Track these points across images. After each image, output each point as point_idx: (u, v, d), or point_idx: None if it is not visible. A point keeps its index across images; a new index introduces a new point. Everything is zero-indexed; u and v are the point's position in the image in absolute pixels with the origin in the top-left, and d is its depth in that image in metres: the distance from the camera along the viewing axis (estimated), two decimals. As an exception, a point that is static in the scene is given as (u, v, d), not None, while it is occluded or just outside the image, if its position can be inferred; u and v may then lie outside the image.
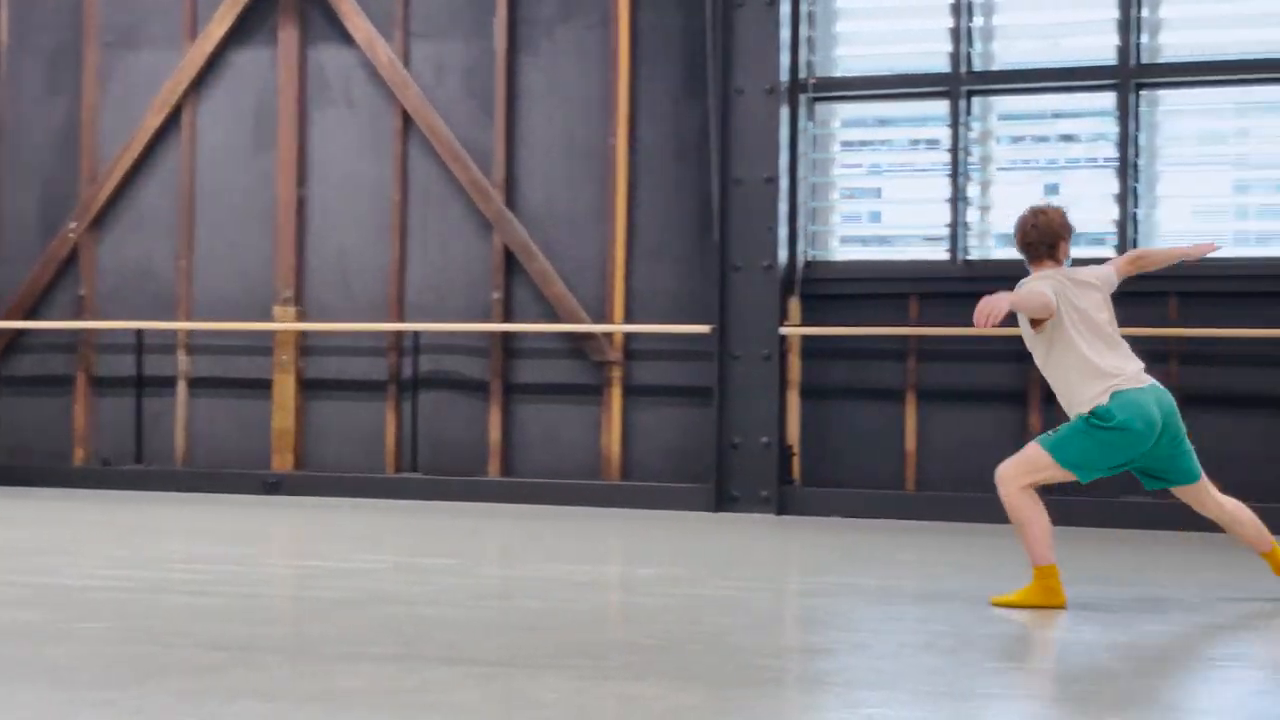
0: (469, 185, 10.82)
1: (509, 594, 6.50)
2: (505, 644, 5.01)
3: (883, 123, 10.94)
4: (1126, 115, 9.76)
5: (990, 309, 5.69)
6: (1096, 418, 5.97)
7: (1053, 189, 10.63)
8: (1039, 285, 5.99)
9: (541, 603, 6.01)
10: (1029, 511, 6.05)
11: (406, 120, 11.02)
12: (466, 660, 4.69)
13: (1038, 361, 6.20)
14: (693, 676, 4.51)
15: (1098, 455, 6.02)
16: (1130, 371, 6.03)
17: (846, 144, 10.90)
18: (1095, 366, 5.99)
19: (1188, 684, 4.62)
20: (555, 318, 10.69)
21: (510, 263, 10.82)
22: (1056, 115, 10.35)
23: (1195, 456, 6.13)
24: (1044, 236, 6.19)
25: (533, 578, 6.89)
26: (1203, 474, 6.14)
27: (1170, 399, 6.06)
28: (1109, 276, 6.27)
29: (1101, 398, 5.95)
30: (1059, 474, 6.13)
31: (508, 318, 10.83)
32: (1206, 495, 6.16)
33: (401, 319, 11.02)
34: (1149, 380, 6.03)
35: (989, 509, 9.75)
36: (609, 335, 10.63)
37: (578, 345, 10.74)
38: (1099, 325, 6.06)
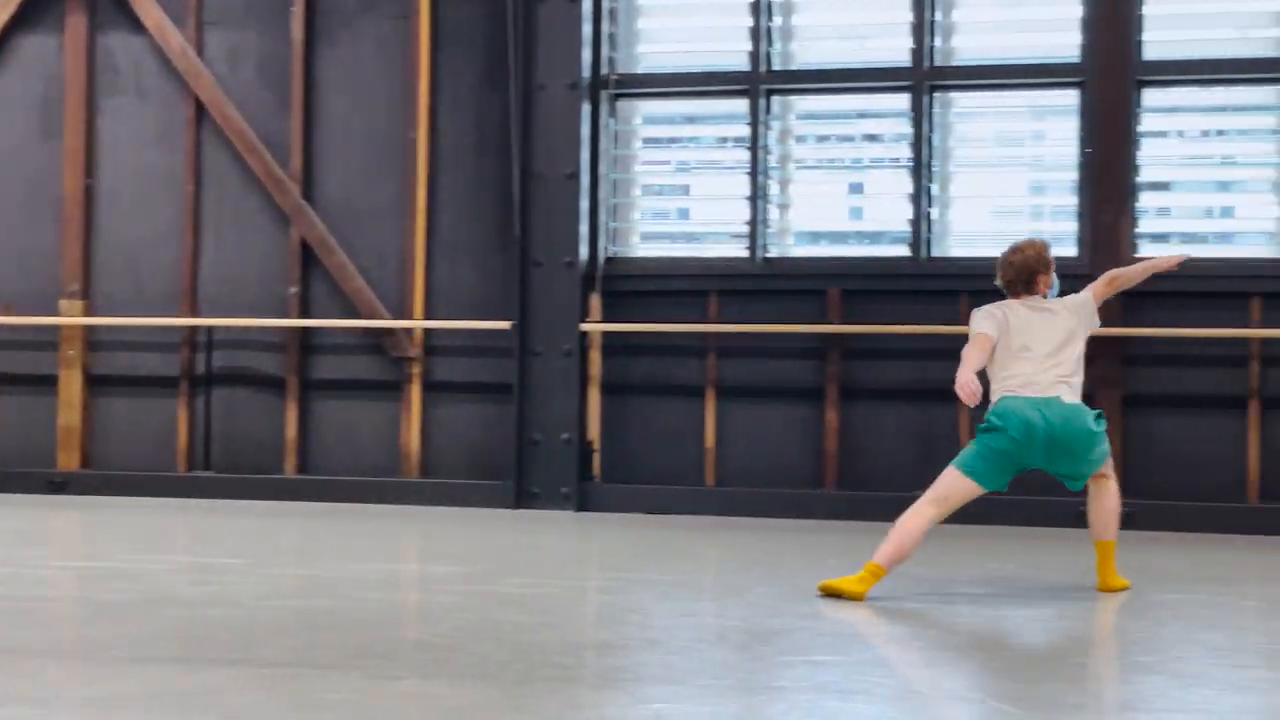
0: (265, 177, 10.61)
1: (299, 594, 6.37)
2: (292, 644, 4.90)
3: (690, 120, 10.98)
4: (920, 116, 9.93)
5: (966, 390, 6.08)
6: (983, 421, 6.26)
7: (856, 188, 10.78)
8: (973, 330, 6.38)
9: (332, 602, 5.90)
10: (917, 530, 6.15)
11: (200, 110, 10.76)
12: (251, 661, 4.58)
13: None
14: (483, 675, 4.46)
15: (983, 458, 6.21)
16: (1034, 381, 6.24)
17: (650, 141, 10.93)
18: (1006, 374, 6.27)
19: (969, 672, 4.69)
20: (354, 313, 10.53)
21: (308, 256, 10.64)
22: (861, 115, 10.49)
23: (1094, 468, 6.39)
24: (1020, 274, 6.55)
25: (325, 577, 6.76)
26: (1093, 481, 6.47)
27: (1074, 416, 6.22)
28: (1081, 302, 6.57)
29: (993, 402, 6.24)
30: (961, 484, 6.23)
31: (305, 313, 10.64)
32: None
33: (194, 313, 10.76)
34: (1055, 394, 6.22)
35: (786, 504, 9.89)
36: (409, 331, 10.51)
37: (377, 341, 10.60)
38: (1037, 344, 6.32)
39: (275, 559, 7.74)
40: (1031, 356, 6.32)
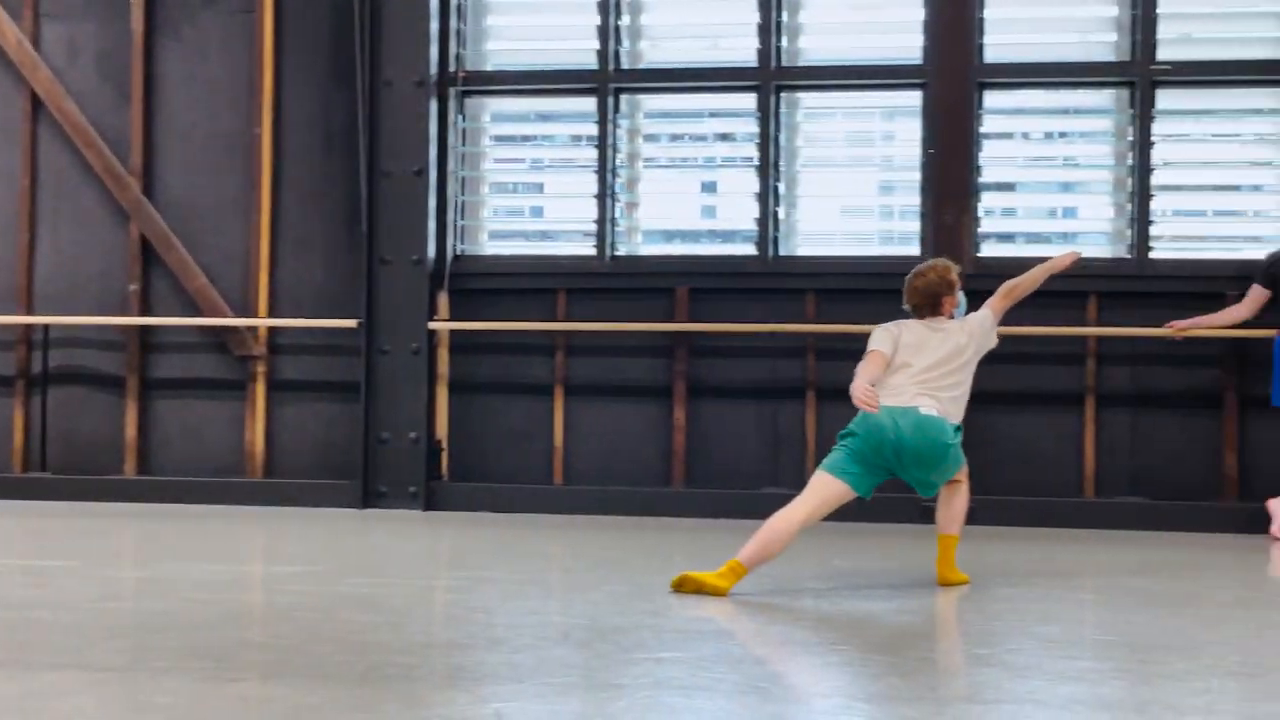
0: (104, 172, 10.40)
1: (135, 596, 6.25)
2: (125, 647, 4.80)
3: (544, 118, 10.95)
4: (767, 116, 10.02)
5: (861, 398, 6.13)
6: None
7: (710, 187, 10.84)
8: (869, 347, 6.51)
9: (169, 604, 5.80)
10: (784, 531, 6.21)
11: (36, 103, 10.53)
12: (81, 665, 4.48)
13: None
14: (323, 675, 4.40)
15: (846, 460, 6.35)
16: (901, 391, 6.37)
17: (502, 138, 10.89)
18: (881, 385, 6.39)
19: (812, 667, 4.73)
20: (196, 311, 10.37)
21: (148, 254, 10.46)
22: (713, 115, 10.54)
23: (945, 478, 6.54)
24: (925, 297, 6.68)
25: (163, 579, 6.64)
26: (945, 486, 6.63)
27: (928, 427, 6.32)
28: (980, 320, 6.70)
29: None
30: (830, 486, 6.34)
31: (145, 311, 10.46)
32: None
33: (30, 311, 10.53)
34: (914, 404, 6.34)
35: (635, 501, 9.92)
36: (253, 329, 10.37)
37: (220, 339, 10.44)
38: (918, 359, 6.44)
39: (111, 561, 7.59)
40: (909, 371, 6.46)
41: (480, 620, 5.54)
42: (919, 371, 6.45)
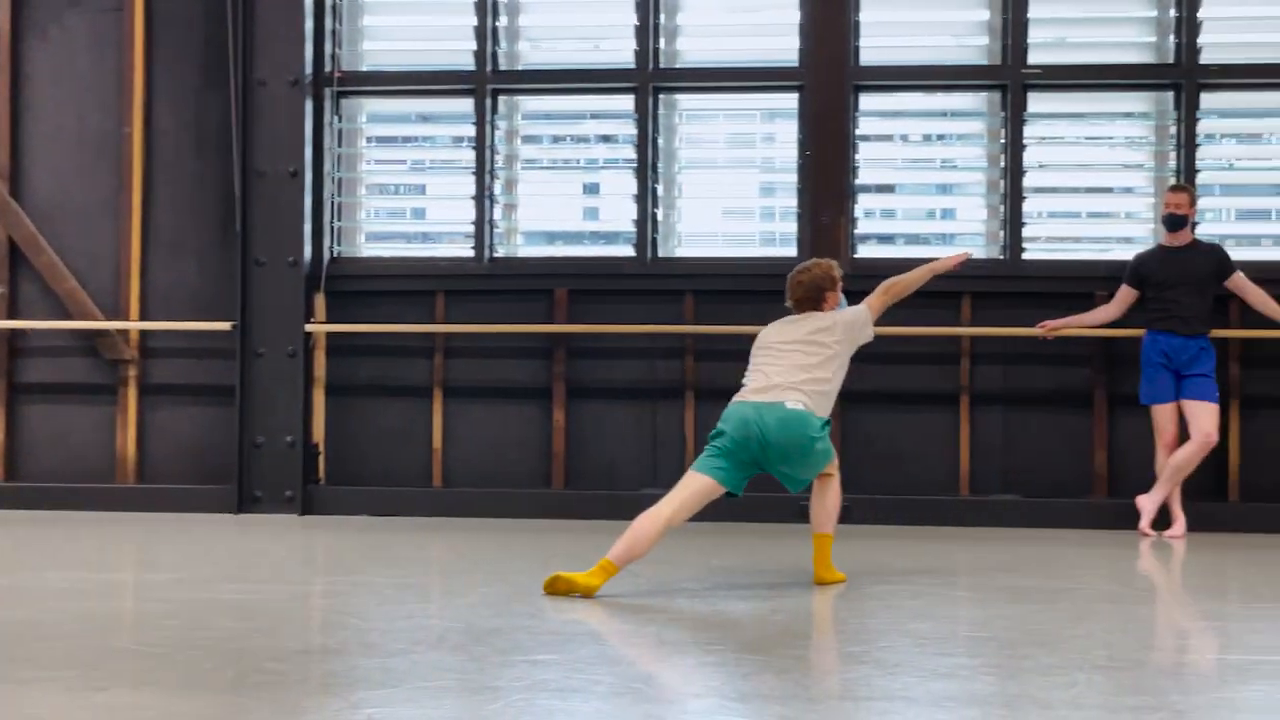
0: (-31, 173, 10.19)
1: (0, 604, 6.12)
2: (-11, 658, 4.70)
3: (424, 119, 10.89)
4: (645, 118, 10.04)
5: None
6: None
7: (593, 189, 10.84)
8: None
9: (35, 613, 5.68)
10: (651, 529, 6.25)
11: (-101, 102, 10.30)
12: (-58, 677, 4.38)
13: None
14: (194, 683, 4.34)
15: (713, 457, 6.43)
16: (767, 387, 6.49)
17: (381, 139, 10.81)
18: (746, 380, 6.61)
19: (686, 667, 4.74)
20: (65, 314, 10.19)
21: (16, 255, 10.26)
22: (594, 116, 10.53)
23: (812, 473, 6.59)
24: (809, 292, 6.78)
25: (28, 587, 6.51)
26: (817, 482, 6.71)
27: (792, 421, 6.40)
28: (852, 315, 6.78)
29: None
30: (697, 483, 6.40)
31: (13, 314, 10.26)
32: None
33: (-106, 315, 10.29)
34: (780, 399, 6.43)
35: (514, 503, 9.88)
36: (124, 333, 10.21)
37: (90, 343, 10.27)
38: (778, 356, 6.57)
39: (-21, 570, 7.43)
40: (771, 364, 6.56)
41: (355, 625, 5.49)
42: (787, 367, 6.51)
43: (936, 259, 7.31)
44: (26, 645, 4.94)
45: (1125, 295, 9.38)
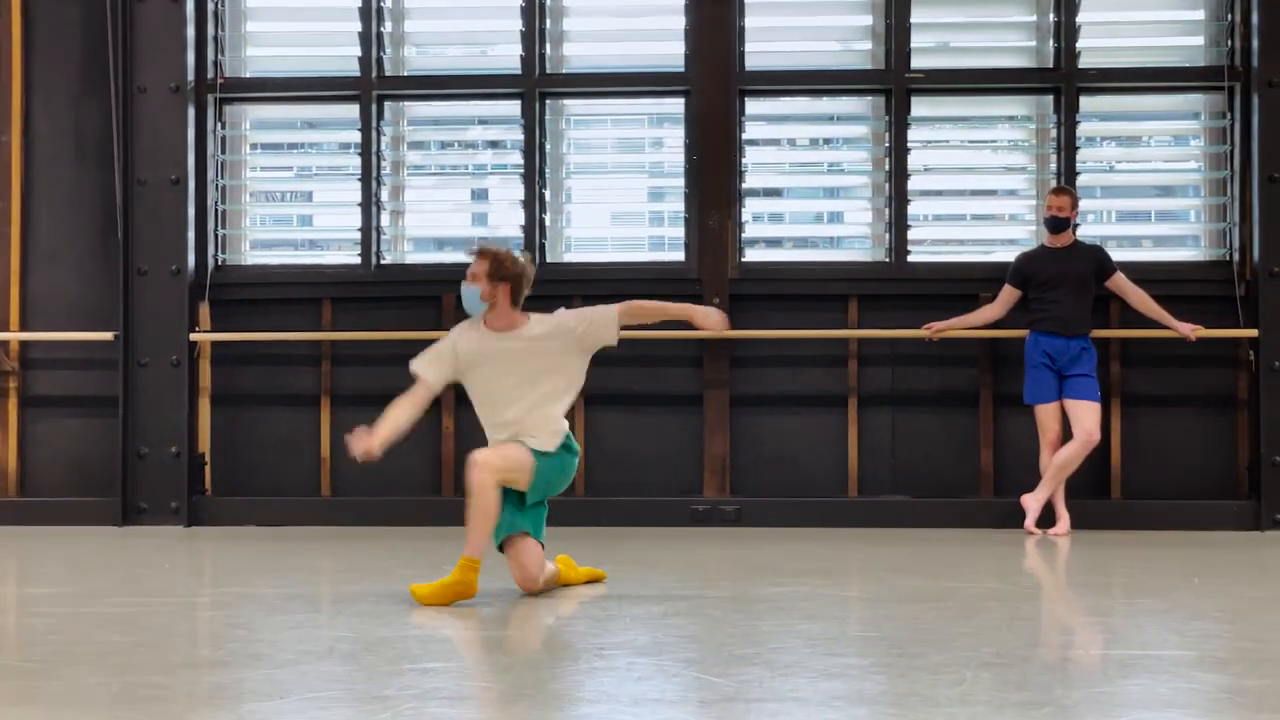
0: None
1: (-121, 623, 5.99)
2: None
3: (311, 125, 10.81)
4: (533, 123, 10.02)
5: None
6: (569, 450, 6.52)
7: (481, 194, 10.80)
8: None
9: (-86, 630, 5.57)
10: (491, 504, 6.25)
11: None
12: None
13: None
14: (77, 699, 4.27)
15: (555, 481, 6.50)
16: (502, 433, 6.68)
17: (266, 146, 10.69)
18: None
19: (577, 674, 4.74)
20: (-57, 325, 9.98)
21: (-110, 266, 10.04)
22: (481, 122, 10.50)
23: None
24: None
25: (-92, 604, 6.38)
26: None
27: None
28: (592, 312, 6.66)
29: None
30: (522, 483, 6.42)
31: (-112, 325, 10.04)
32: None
33: None
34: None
35: (403, 511, 9.81)
36: (4, 343, 10.02)
37: (-31, 354, 10.07)
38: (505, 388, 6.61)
39: None
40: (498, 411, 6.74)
41: (242, 637, 5.42)
42: (512, 413, 6.54)
43: (694, 307, 6.75)
44: (-97, 664, 4.83)
45: (1008, 295, 9.51)
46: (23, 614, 6.28)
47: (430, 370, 6.64)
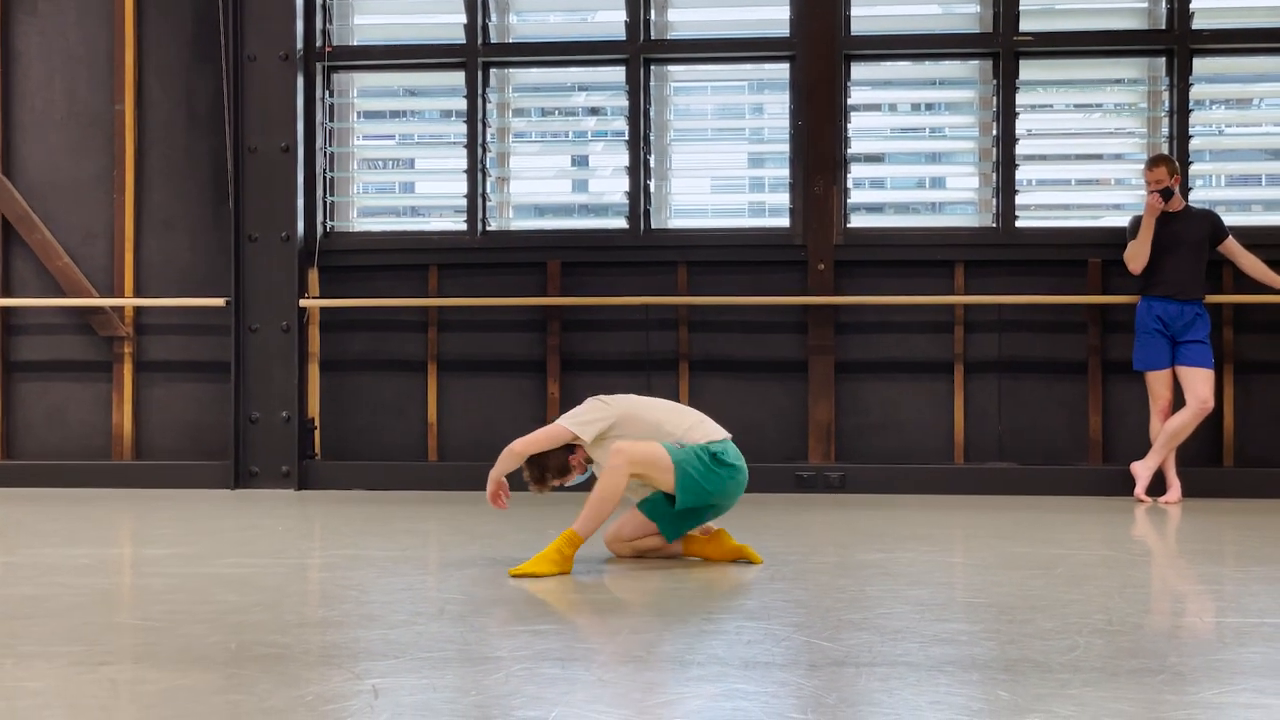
0: (-39, 151, 10.18)
1: (1, 581, 6.13)
2: (-9, 633, 4.71)
3: (413, 93, 10.89)
4: (637, 89, 10.02)
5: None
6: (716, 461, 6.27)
7: (580, 161, 10.84)
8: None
9: (36, 589, 5.69)
10: (618, 491, 6.11)
11: (-111, 81, 10.28)
12: (-54, 653, 4.39)
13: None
14: (196, 657, 4.35)
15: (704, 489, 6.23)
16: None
17: (371, 114, 10.79)
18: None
19: (689, 636, 4.76)
20: (59, 292, 10.18)
21: (9, 233, 10.25)
22: (583, 89, 10.54)
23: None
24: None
25: (29, 564, 6.52)
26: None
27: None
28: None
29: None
30: (661, 484, 6.23)
31: (7, 292, 10.25)
32: None
33: (-113, 294, 10.29)
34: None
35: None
36: (119, 310, 10.20)
37: (84, 320, 10.26)
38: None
39: (-23, 547, 7.44)
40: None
41: (354, 598, 5.50)
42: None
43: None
44: (28, 621, 4.95)
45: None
46: (141, 574, 6.41)
47: None
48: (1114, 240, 9.50)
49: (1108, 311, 9.72)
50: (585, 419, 6.30)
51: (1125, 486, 9.28)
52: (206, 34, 10.13)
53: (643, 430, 6.27)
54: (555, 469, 6.41)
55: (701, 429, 6.36)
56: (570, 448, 6.35)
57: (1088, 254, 9.69)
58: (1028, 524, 7.95)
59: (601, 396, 6.41)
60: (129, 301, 10.17)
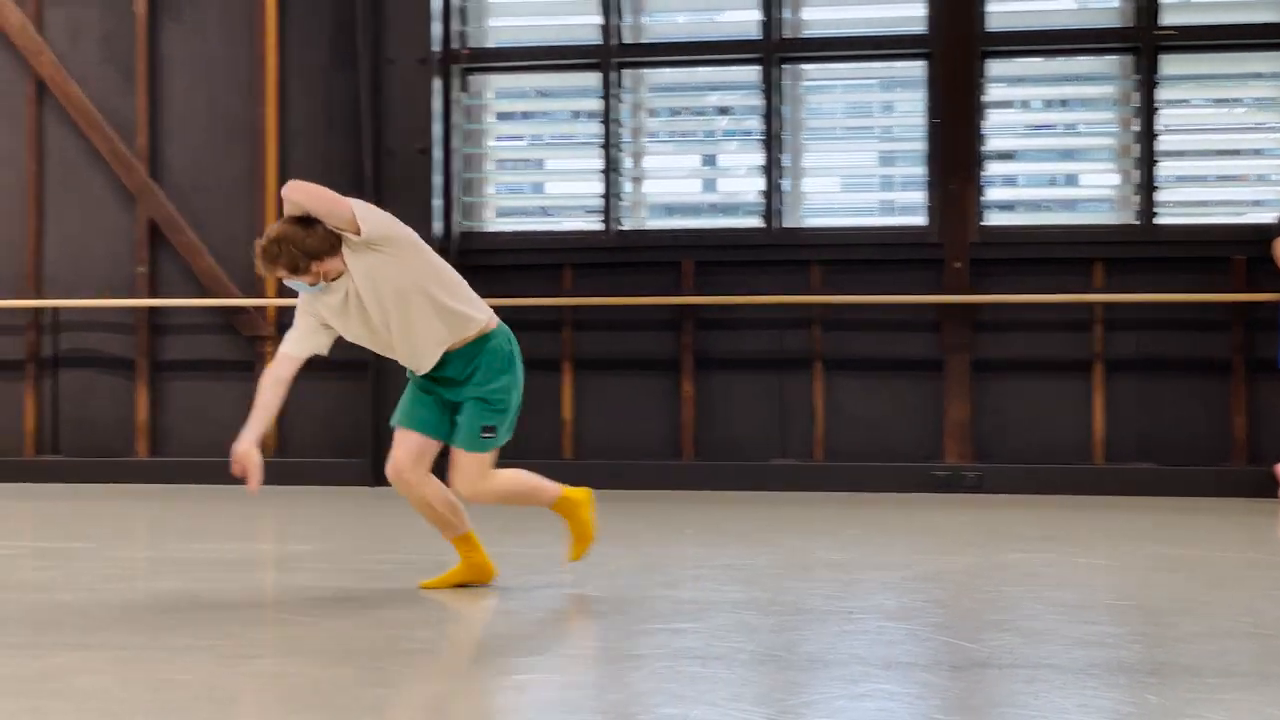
0: (110, 156, 10.40)
1: (149, 576, 6.28)
2: (143, 626, 4.83)
3: (544, 94, 10.97)
4: (770, 89, 10.01)
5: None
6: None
7: (711, 160, 10.85)
8: None
9: (184, 583, 5.82)
10: (512, 483, 6.09)
11: (41, 88, 10.53)
12: (100, 644, 4.51)
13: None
14: (343, 652, 4.42)
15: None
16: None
17: (504, 115, 10.89)
18: None
19: (825, 636, 4.75)
20: (204, 292, 10.38)
21: (156, 235, 10.46)
22: (714, 89, 10.55)
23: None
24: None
25: (177, 559, 6.67)
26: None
27: None
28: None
29: None
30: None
31: (154, 293, 10.47)
32: None
33: (39, 295, 10.54)
34: None
35: (644, 475, 9.93)
36: (261, 309, 10.38)
37: (228, 320, 10.46)
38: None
39: (125, 542, 7.62)
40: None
41: (496, 595, 5.56)
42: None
43: None
44: (179, 614, 5.06)
45: None
46: (285, 570, 6.53)
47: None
48: (1258, 237, 9.31)
49: (1252, 310, 9.53)
50: (374, 215, 5.53)
51: (1270, 488, 9.10)
52: (345, 38, 10.28)
53: (423, 270, 5.65)
54: (313, 252, 5.52)
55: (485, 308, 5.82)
56: (335, 242, 5.51)
57: (1231, 251, 9.50)
58: (1169, 525, 7.83)
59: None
60: (271, 302, 10.34)
